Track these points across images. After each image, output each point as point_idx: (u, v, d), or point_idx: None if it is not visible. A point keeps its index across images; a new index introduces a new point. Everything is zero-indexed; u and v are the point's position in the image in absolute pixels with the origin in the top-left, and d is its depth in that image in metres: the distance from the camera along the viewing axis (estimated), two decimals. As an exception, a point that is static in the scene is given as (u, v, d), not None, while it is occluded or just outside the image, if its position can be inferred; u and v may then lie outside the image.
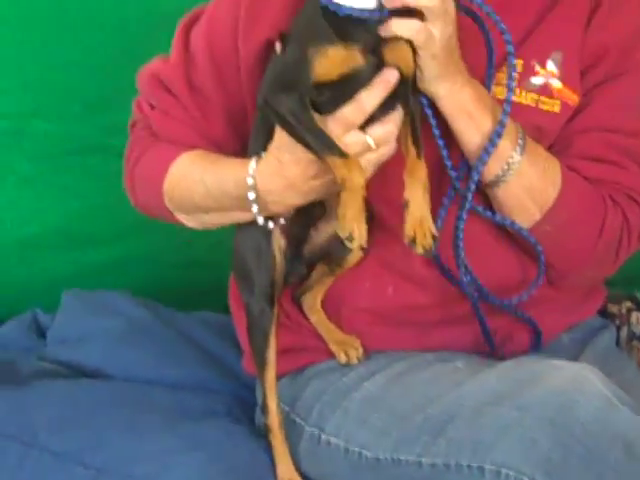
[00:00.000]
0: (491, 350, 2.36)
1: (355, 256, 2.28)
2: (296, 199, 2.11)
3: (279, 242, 2.21)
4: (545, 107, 2.24)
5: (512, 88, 2.15)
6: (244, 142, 2.25)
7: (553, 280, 2.33)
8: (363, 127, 2.01)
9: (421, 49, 1.99)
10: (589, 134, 2.26)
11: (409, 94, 2.04)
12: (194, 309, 3.11)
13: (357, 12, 1.93)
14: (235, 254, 2.26)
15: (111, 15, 2.94)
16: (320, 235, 2.24)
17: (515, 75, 2.16)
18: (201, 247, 3.10)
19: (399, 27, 1.96)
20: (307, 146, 1.98)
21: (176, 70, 2.32)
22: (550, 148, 2.27)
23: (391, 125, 2.03)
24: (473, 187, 2.16)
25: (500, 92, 2.19)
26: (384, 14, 1.95)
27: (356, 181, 1.93)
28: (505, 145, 2.13)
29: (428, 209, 2.01)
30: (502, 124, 2.12)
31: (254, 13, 2.21)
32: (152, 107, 2.38)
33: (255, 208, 2.12)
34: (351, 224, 1.93)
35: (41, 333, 3.02)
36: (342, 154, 1.95)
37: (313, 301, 2.37)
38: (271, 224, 2.17)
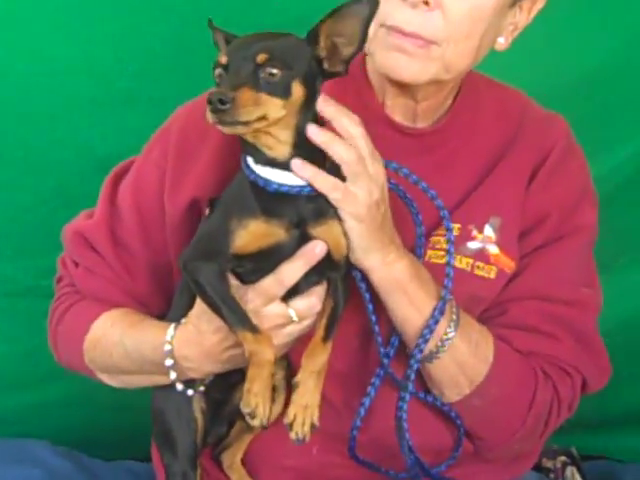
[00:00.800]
0: None
1: (274, 413, 2.17)
2: (213, 367, 2.08)
3: (200, 404, 2.16)
4: (481, 272, 2.21)
5: (452, 252, 2.13)
6: (169, 299, 2.23)
7: (481, 451, 2.29)
8: (286, 298, 1.98)
9: (342, 209, 1.93)
10: (524, 302, 2.23)
11: (338, 268, 1.99)
12: (120, 457, 3.03)
13: (286, 188, 1.90)
14: (154, 415, 2.20)
15: (43, 159, 2.92)
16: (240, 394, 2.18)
17: (452, 238, 2.14)
18: (128, 390, 3.04)
19: (316, 180, 1.90)
20: (221, 317, 1.94)
21: (100, 227, 2.30)
22: (484, 313, 2.25)
23: (314, 299, 1.99)
24: (413, 376, 2.12)
25: (435, 255, 2.18)
26: (312, 190, 1.91)
27: (264, 357, 1.90)
28: (441, 322, 2.10)
29: (318, 396, 1.97)
30: (444, 300, 2.09)
31: (180, 170, 2.20)
32: (76, 265, 2.35)
33: (173, 375, 2.09)
34: (255, 400, 1.89)
35: (-44, 482, 2.92)
36: (253, 329, 1.91)
37: (233, 459, 2.30)
38: (190, 391, 2.13)
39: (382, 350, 2.14)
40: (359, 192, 1.92)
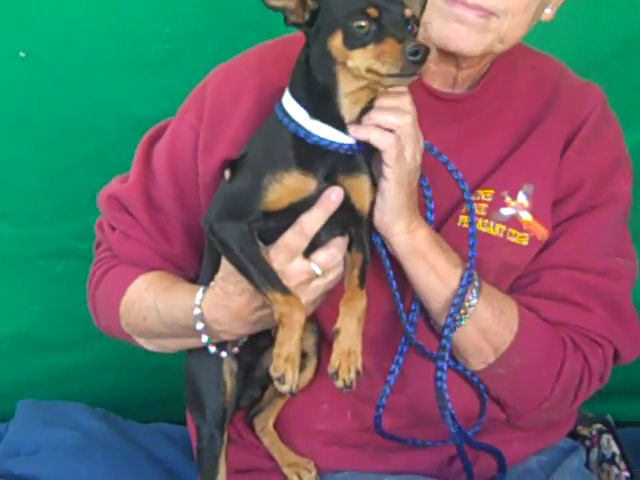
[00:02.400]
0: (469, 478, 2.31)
1: (304, 380, 2.21)
2: (245, 329, 2.09)
3: (230, 367, 2.17)
4: (513, 239, 2.21)
5: (474, 222, 2.13)
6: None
7: (510, 419, 2.29)
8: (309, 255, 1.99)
9: (390, 167, 1.96)
10: (556, 271, 2.22)
11: (362, 224, 2.02)
12: (154, 420, 3.06)
13: (335, 145, 1.93)
14: (187, 377, 2.23)
15: (80, 121, 2.92)
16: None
17: (475, 210, 2.15)
18: (163, 353, 3.06)
19: (376, 136, 1.93)
20: (249, 278, 1.94)
21: (134, 190, 2.30)
22: (516, 282, 2.25)
23: (334, 250, 2.00)
24: (449, 345, 2.12)
25: (466, 221, 2.17)
26: (358, 149, 1.96)
27: (295, 319, 1.89)
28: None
29: (359, 342, 1.96)
30: (470, 270, 2.10)
31: (214, 132, 2.20)
32: (113, 228, 2.36)
33: (205, 338, 2.10)
34: (285, 366, 1.88)
35: (-7, 444, 2.96)
36: (284, 290, 1.92)
37: (265, 423, 2.32)
38: (224, 353, 2.14)
39: (404, 317, 2.15)
40: (407, 154, 1.97)
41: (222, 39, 2.77)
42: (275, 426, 2.33)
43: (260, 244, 1.97)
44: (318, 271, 1.99)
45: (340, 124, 1.94)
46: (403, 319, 2.14)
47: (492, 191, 2.20)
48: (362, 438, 2.29)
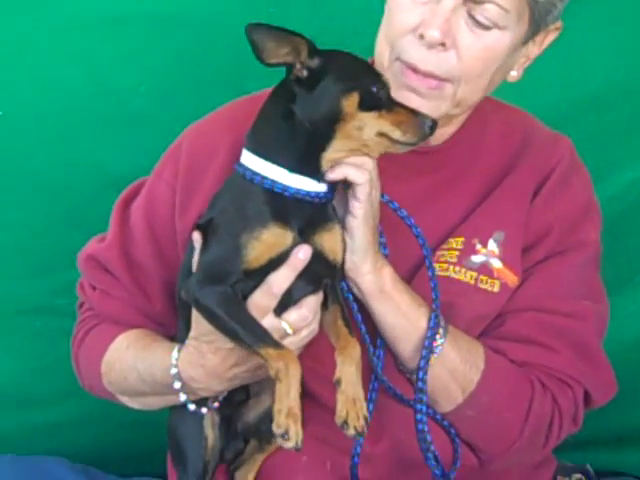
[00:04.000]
0: None
1: None
2: (222, 386, 2.10)
3: (213, 420, 2.17)
4: (484, 286, 2.23)
5: (436, 285, 2.15)
6: None
7: (482, 462, 2.29)
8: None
9: (361, 203, 2.00)
10: (522, 314, 2.24)
11: (337, 275, 2.04)
12: (135, 474, 3.07)
13: (312, 195, 1.97)
14: (169, 431, 2.23)
15: (57, 179, 2.95)
16: (251, 412, 2.20)
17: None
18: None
19: (353, 172, 1.98)
20: (236, 338, 1.94)
21: (113, 250, 2.32)
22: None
23: (304, 310, 2.01)
24: (425, 387, 2.12)
25: (440, 268, 2.20)
26: (330, 196, 2.00)
27: (292, 373, 1.87)
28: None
29: (361, 388, 1.96)
30: (436, 312, 2.12)
31: (189, 188, 2.22)
32: (93, 288, 2.38)
33: (182, 397, 2.12)
34: (287, 421, 1.86)
35: (-29, 501, 2.94)
36: (276, 345, 1.91)
37: (245, 477, 2.29)
38: (204, 409, 2.15)
39: (375, 360, 2.16)
40: (374, 194, 2.03)
41: (197, 96, 2.79)
42: None
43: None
44: (289, 330, 2.00)
45: (315, 174, 1.97)
46: (372, 358, 2.16)
47: (462, 239, 2.23)
48: (344, 491, 2.28)
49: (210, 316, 1.97)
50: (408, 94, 2.09)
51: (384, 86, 1.97)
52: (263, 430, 2.18)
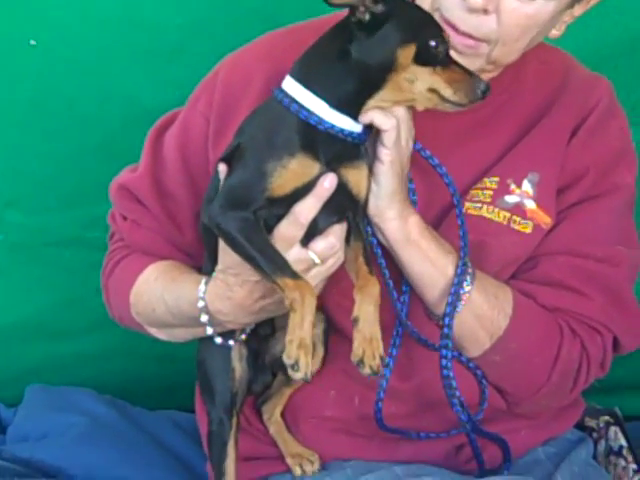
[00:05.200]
0: (479, 469, 2.31)
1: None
2: (249, 318, 2.10)
3: (240, 352, 2.18)
4: (517, 227, 2.22)
5: (465, 233, 2.14)
6: None
7: (509, 405, 2.30)
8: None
9: (388, 149, 1.99)
10: (556, 257, 2.23)
11: (359, 212, 2.03)
12: (163, 407, 3.08)
13: (346, 133, 1.96)
14: (198, 363, 2.24)
15: (89, 110, 2.94)
16: (278, 345, 2.19)
17: (462, 212, 2.17)
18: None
19: (380, 118, 1.97)
20: (257, 267, 1.94)
21: (145, 179, 2.32)
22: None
23: (332, 238, 2.00)
24: (451, 333, 2.12)
25: (472, 207, 2.20)
26: (363, 137, 1.99)
27: (307, 303, 1.88)
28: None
29: (378, 328, 1.96)
30: (464, 259, 2.11)
31: (224, 119, 2.22)
32: (124, 218, 2.39)
33: (209, 330, 2.13)
34: (298, 352, 1.87)
35: (1, 428, 2.98)
36: (294, 275, 1.91)
37: (272, 411, 2.33)
38: (231, 342, 2.16)
39: (399, 305, 2.16)
40: (402, 139, 2.01)
41: (233, 29, 2.76)
42: (283, 414, 2.33)
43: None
44: (317, 260, 1.99)
45: (355, 115, 1.96)
46: (395, 304, 2.15)
47: (497, 178, 2.22)
48: (369, 427, 2.29)
49: (231, 242, 1.97)
50: None
51: (444, 42, 1.94)
52: (289, 364, 2.20)
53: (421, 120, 2.08)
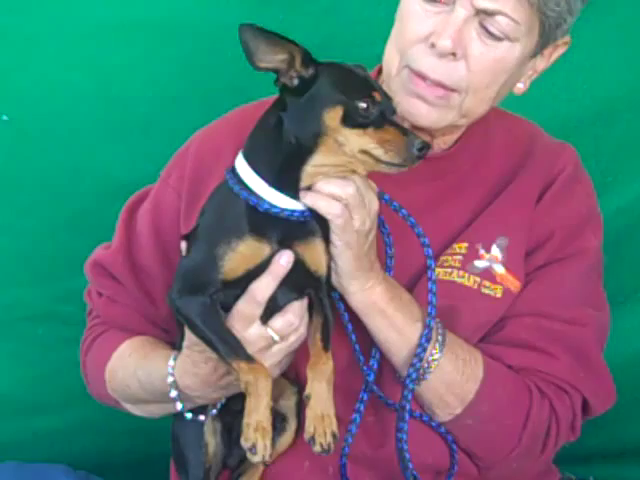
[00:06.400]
0: None
1: (284, 443, 2.21)
2: (217, 394, 2.10)
3: (214, 427, 2.17)
4: (487, 291, 2.23)
5: (434, 292, 2.15)
6: None
7: (480, 470, 2.28)
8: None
9: (337, 235, 1.98)
10: (522, 319, 2.24)
11: (321, 286, 2.02)
12: (138, 482, 3.04)
13: (287, 213, 1.94)
14: (172, 438, 2.23)
15: (62, 185, 2.96)
16: None
17: (434, 278, 2.17)
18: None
19: (323, 205, 1.95)
20: (214, 349, 1.94)
21: (119, 255, 2.34)
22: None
23: (290, 315, 2.01)
24: (410, 396, 2.13)
25: (443, 273, 2.21)
26: (309, 215, 1.96)
27: (261, 386, 1.88)
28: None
29: (331, 405, 1.95)
30: (429, 326, 2.12)
31: (195, 193, 2.23)
32: (100, 295, 2.40)
33: (179, 406, 2.12)
34: (255, 435, 1.86)
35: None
36: (248, 358, 1.91)
37: None
38: (202, 417, 2.15)
39: (364, 367, 2.17)
40: (355, 222, 1.98)
41: (204, 102, 2.81)
42: None
43: (222, 314, 1.97)
44: (276, 337, 2.00)
45: (294, 191, 1.94)
46: (362, 367, 2.16)
47: (466, 244, 2.23)
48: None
49: (189, 325, 1.97)
50: (415, 101, 2.11)
51: (376, 103, 1.90)
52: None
53: (392, 188, 2.11)
